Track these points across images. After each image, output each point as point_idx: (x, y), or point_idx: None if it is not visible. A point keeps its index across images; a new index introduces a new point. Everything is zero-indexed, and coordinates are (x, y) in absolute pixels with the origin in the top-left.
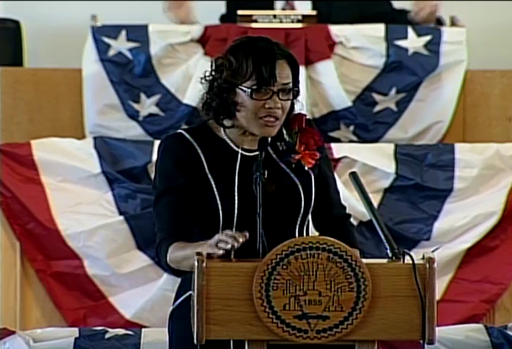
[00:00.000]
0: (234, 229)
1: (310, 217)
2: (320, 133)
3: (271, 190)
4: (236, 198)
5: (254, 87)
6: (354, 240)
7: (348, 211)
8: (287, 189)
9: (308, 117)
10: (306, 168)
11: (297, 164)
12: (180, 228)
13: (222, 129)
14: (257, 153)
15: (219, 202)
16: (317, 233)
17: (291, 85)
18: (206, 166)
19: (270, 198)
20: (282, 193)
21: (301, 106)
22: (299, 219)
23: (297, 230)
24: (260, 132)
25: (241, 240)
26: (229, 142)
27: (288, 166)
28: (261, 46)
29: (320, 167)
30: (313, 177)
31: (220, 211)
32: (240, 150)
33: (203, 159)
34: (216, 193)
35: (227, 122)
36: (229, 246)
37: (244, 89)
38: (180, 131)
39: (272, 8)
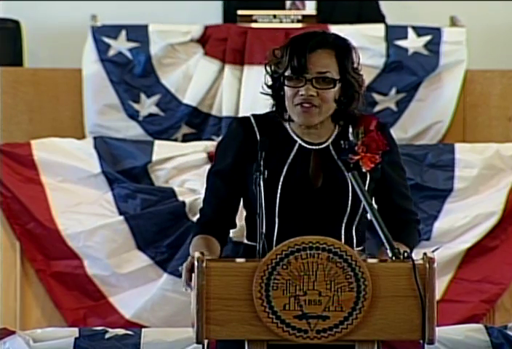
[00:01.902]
0: (277, 218)
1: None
2: (386, 139)
3: (317, 185)
4: (280, 185)
5: (287, 74)
6: (409, 239)
7: None
8: (336, 185)
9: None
10: (364, 170)
11: (355, 165)
12: (215, 214)
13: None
14: (315, 147)
15: (262, 187)
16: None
17: (331, 74)
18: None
19: (316, 193)
20: (330, 188)
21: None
22: (345, 218)
23: (343, 230)
24: (300, 121)
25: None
26: (290, 131)
27: (345, 164)
28: (303, 36)
29: (384, 171)
30: (368, 179)
31: (262, 196)
32: (299, 140)
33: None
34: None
35: (285, 115)
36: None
37: (282, 76)
38: (248, 115)
39: (283, 7)
